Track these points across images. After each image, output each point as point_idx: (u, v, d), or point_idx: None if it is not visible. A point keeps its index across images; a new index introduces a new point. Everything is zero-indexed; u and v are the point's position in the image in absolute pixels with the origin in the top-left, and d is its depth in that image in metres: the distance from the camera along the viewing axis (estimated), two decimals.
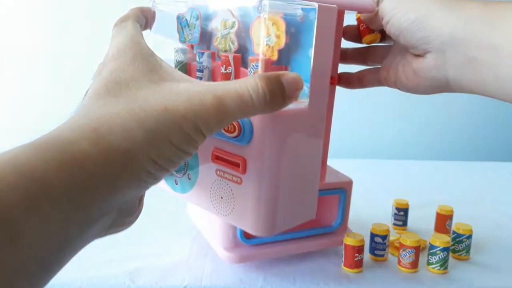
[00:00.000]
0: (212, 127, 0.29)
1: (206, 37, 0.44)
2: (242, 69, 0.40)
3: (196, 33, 0.44)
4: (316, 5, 0.37)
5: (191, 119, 0.28)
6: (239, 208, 0.41)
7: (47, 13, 1.02)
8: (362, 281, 0.49)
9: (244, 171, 0.39)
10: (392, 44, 0.49)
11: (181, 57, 0.45)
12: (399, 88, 0.48)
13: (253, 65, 0.38)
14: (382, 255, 0.53)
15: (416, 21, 0.41)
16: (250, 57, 0.39)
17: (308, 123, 0.40)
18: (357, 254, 0.50)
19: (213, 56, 0.43)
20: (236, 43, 0.41)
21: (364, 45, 0.51)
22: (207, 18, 0.43)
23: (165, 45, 0.45)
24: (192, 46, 0.45)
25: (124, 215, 0.31)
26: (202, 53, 0.42)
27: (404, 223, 0.62)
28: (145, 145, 0.27)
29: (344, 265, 0.51)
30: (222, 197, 0.42)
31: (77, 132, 0.26)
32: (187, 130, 0.28)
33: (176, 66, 0.44)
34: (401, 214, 0.62)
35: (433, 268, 0.51)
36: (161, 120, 0.28)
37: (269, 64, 0.38)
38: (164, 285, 0.47)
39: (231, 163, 0.41)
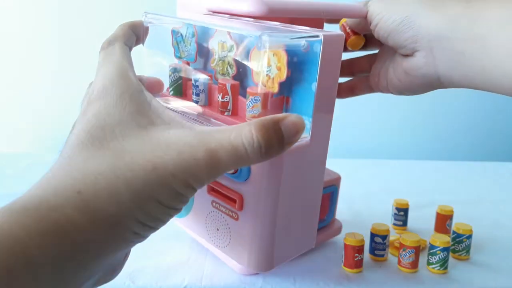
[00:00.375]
0: (203, 181, 0.28)
1: (202, 55, 0.42)
2: (240, 97, 0.38)
3: (192, 51, 0.42)
4: (321, 35, 0.34)
5: (181, 177, 0.27)
6: (236, 243, 0.39)
7: (47, 11, 1.02)
8: (362, 281, 0.49)
9: (241, 208, 0.38)
10: (377, 51, 0.50)
11: (176, 76, 0.43)
12: (391, 92, 0.49)
13: (251, 99, 0.36)
14: (382, 255, 0.53)
15: (403, 22, 0.42)
16: (248, 89, 0.36)
17: (310, 157, 0.39)
18: (357, 254, 0.50)
19: (210, 80, 0.41)
20: (234, 68, 0.39)
21: (348, 56, 0.51)
22: (203, 36, 0.41)
23: (158, 58, 0.44)
24: (188, 63, 0.44)
25: (109, 273, 0.30)
26: (198, 79, 0.41)
27: (404, 223, 0.62)
28: (132, 208, 0.26)
29: (344, 265, 0.51)
30: (218, 229, 0.41)
31: (60, 197, 0.25)
32: (177, 188, 0.27)
33: (171, 85, 0.43)
34: (401, 214, 0.62)
35: (433, 268, 0.51)
36: (149, 181, 0.26)
37: (268, 98, 0.36)
38: (164, 285, 0.47)
39: (228, 198, 0.39)
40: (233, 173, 0.38)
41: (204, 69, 0.43)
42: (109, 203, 0.25)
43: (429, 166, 0.94)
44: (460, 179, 0.87)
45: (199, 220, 0.43)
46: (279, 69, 0.35)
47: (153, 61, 0.43)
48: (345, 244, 0.50)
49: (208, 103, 0.41)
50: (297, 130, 0.29)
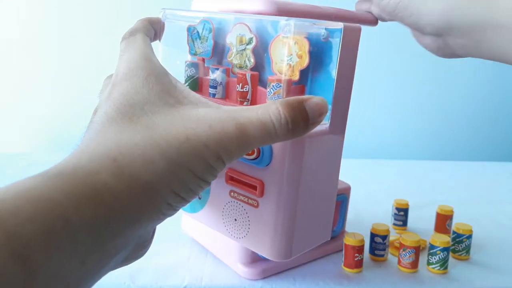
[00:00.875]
0: (233, 156, 0.28)
1: (218, 51, 0.42)
2: (259, 88, 0.39)
3: (208, 47, 0.42)
4: (341, 25, 0.36)
5: (213, 149, 0.27)
6: (255, 231, 0.39)
7: (47, 11, 1.02)
8: (362, 281, 0.49)
9: (261, 194, 0.38)
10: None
11: (192, 72, 0.43)
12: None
13: (273, 86, 0.36)
14: (382, 255, 0.53)
15: (400, 3, 0.41)
16: (269, 77, 0.37)
17: (329, 144, 0.39)
18: (357, 254, 0.50)
19: (227, 72, 0.41)
20: (252, 60, 0.39)
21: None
22: (220, 31, 0.41)
23: (173, 56, 0.44)
24: (203, 59, 0.43)
25: (139, 248, 0.30)
26: (216, 69, 0.40)
27: (404, 223, 0.62)
28: (167, 177, 0.26)
29: (344, 265, 0.51)
30: (236, 219, 0.41)
31: (96, 163, 0.25)
32: (209, 160, 0.27)
33: (186, 81, 0.43)
34: (401, 214, 0.62)
35: (433, 268, 0.51)
36: (183, 151, 0.26)
37: (290, 85, 0.36)
38: (164, 285, 0.47)
39: (248, 185, 0.39)
40: (255, 159, 0.38)
41: (220, 64, 0.43)
42: (144, 170, 0.25)
43: (429, 166, 0.94)
44: (460, 179, 0.87)
45: (215, 213, 0.43)
46: (300, 57, 0.36)
47: (168, 59, 0.43)
48: (345, 244, 0.50)
49: (226, 95, 0.41)
50: (321, 111, 0.30)
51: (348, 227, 0.57)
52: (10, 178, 0.75)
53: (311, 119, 0.30)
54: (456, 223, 0.56)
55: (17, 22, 1.01)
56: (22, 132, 1.07)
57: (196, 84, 0.43)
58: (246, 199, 0.39)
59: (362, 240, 0.50)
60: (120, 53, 0.33)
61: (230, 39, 0.40)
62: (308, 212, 0.39)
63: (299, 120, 0.29)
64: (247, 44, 0.39)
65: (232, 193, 0.41)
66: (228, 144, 0.27)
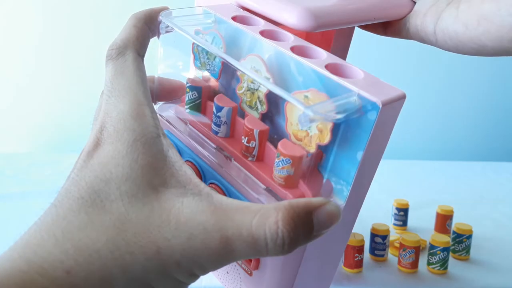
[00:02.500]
0: (209, 270, 0.24)
1: (229, 72, 0.36)
2: (268, 144, 0.33)
3: (216, 67, 0.36)
4: (379, 102, 0.27)
5: (186, 266, 0.23)
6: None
7: (47, 11, 1.02)
8: (362, 281, 0.48)
9: (256, 267, 0.34)
10: None
11: (194, 95, 0.37)
12: (437, 43, 0.36)
13: (282, 160, 0.30)
14: (382, 255, 0.53)
15: None
16: (280, 145, 0.30)
17: (341, 223, 0.34)
18: (357, 254, 0.50)
19: (234, 111, 0.35)
20: (265, 106, 0.33)
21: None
22: (233, 51, 0.35)
23: (175, 58, 0.38)
24: (208, 79, 0.38)
25: None
26: (221, 107, 0.34)
27: (404, 223, 0.62)
28: None
29: (344, 265, 0.51)
30: (228, 272, 0.38)
31: (48, 278, 0.22)
32: (179, 277, 0.24)
33: (188, 103, 0.37)
34: (401, 214, 0.62)
35: (433, 268, 0.51)
36: (150, 268, 0.23)
37: (302, 160, 0.30)
38: None
39: None
40: None
41: (228, 90, 0.37)
42: None
43: (429, 166, 0.94)
44: (460, 179, 0.87)
45: None
46: (320, 130, 0.29)
47: (168, 63, 0.38)
48: None
49: (230, 134, 0.36)
50: (331, 222, 0.25)
51: None
52: (10, 178, 0.76)
53: (316, 231, 0.24)
54: (456, 223, 0.56)
55: (18, 23, 1.01)
56: (22, 132, 1.07)
57: (198, 107, 0.38)
58: (240, 262, 0.36)
59: (362, 240, 0.50)
60: (106, 83, 0.28)
61: (242, 67, 0.32)
62: (306, 284, 0.35)
63: (300, 238, 0.24)
64: (261, 85, 0.33)
65: None
66: (205, 261, 0.23)
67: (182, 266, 0.23)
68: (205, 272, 0.24)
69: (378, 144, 0.30)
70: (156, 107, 0.35)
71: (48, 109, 1.05)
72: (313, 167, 0.32)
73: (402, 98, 0.29)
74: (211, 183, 0.35)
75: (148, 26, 0.31)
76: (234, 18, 0.35)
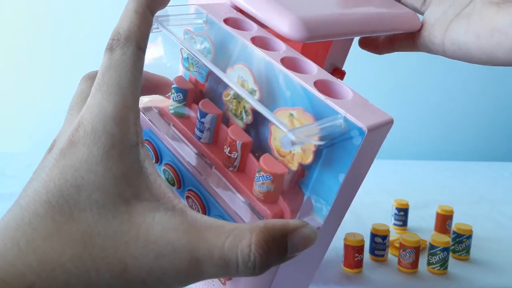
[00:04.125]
0: None
1: (214, 77, 0.35)
2: (250, 156, 0.33)
3: (203, 71, 0.35)
4: (365, 128, 0.26)
5: (151, 285, 0.22)
6: None
7: (46, 11, 1.02)
8: (362, 281, 0.49)
9: (229, 278, 0.33)
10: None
11: (179, 97, 0.36)
12: (445, 53, 0.36)
13: (263, 176, 0.30)
14: (382, 255, 0.53)
15: None
16: (262, 160, 0.30)
17: (317, 243, 0.32)
18: (357, 254, 0.50)
19: (218, 118, 0.34)
20: (250, 117, 0.33)
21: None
22: (222, 57, 0.34)
23: (162, 59, 0.37)
24: (195, 83, 0.37)
25: None
26: (206, 114, 0.34)
27: (404, 223, 0.62)
28: None
29: (344, 265, 0.51)
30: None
31: None
32: None
33: (172, 105, 0.37)
34: (401, 214, 0.62)
35: (433, 268, 0.51)
36: (115, 286, 0.22)
37: (283, 178, 0.30)
38: None
39: None
40: None
41: (214, 94, 0.36)
42: None
43: (429, 166, 0.94)
44: (460, 179, 0.87)
45: None
46: (303, 150, 0.29)
47: (155, 57, 0.36)
48: (345, 244, 0.50)
49: (213, 140, 0.35)
50: (306, 245, 0.24)
51: (348, 227, 0.57)
52: (10, 178, 0.76)
53: (289, 253, 0.24)
54: (456, 223, 0.56)
55: (17, 22, 1.01)
56: (22, 132, 1.07)
57: (183, 110, 0.37)
58: None
59: (362, 240, 0.50)
60: (99, 74, 0.26)
61: (230, 76, 0.32)
62: None
63: (272, 260, 0.23)
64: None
65: None
66: (172, 281, 0.22)
67: (147, 285, 0.22)
68: None
69: (361, 167, 0.30)
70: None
71: (48, 109, 1.05)
72: (294, 184, 0.31)
73: (389, 123, 0.28)
74: (189, 190, 0.34)
75: (151, 10, 0.28)
76: (226, 21, 0.34)
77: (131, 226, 0.23)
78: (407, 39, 0.40)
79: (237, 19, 0.35)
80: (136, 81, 0.26)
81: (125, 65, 0.26)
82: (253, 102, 0.27)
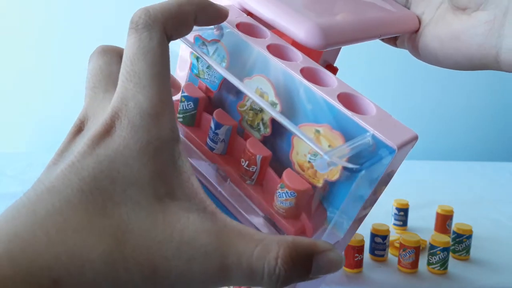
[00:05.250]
0: None
1: (229, 86, 0.33)
2: (269, 170, 0.31)
3: (216, 79, 0.34)
4: (395, 146, 0.26)
5: None
6: None
7: (46, 11, 1.02)
8: (362, 281, 0.49)
9: None
10: None
11: (189, 106, 0.34)
12: (425, 57, 0.37)
13: (286, 192, 0.29)
14: (382, 255, 0.53)
15: None
16: (285, 175, 0.29)
17: None
18: (357, 254, 0.50)
19: (233, 129, 0.33)
20: (269, 129, 0.31)
21: None
22: (237, 66, 0.32)
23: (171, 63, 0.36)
24: (206, 92, 0.35)
25: None
26: (221, 125, 0.32)
27: (404, 223, 0.62)
28: None
29: (344, 265, 0.51)
30: None
31: (35, 285, 0.19)
32: None
33: (181, 112, 0.35)
34: (401, 214, 0.62)
35: (433, 268, 0.51)
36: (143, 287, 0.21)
37: (306, 196, 0.29)
38: None
39: None
40: None
41: (227, 104, 0.34)
42: None
43: (429, 166, 0.94)
44: (460, 179, 0.87)
45: None
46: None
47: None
48: None
49: (227, 152, 0.33)
50: (330, 270, 0.23)
51: None
52: (10, 178, 0.76)
53: (312, 274, 0.23)
54: (456, 223, 0.56)
55: (18, 22, 1.01)
56: (22, 132, 1.07)
57: (193, 119, 0.35)
58: None
59: (362, 240, 0.50)
60: (125, 58, 0.24)
61: (247, 87, 0.29)
62: None
63: (294, 277, 0.23)
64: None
65: None
66: (201, 285, 0.22)
67: None
68: None
69: (384, 183, 0.29)
70: None
71: (48, 109, 1.05)
72: (315, 198, 0.30)
73: (414, 139, 0.28)
74: None
75: (197, 13, 0.26)
76: (238, 26, 0.32)
77: (165, 226, 0.22)
78: (394, 40, 0.40)
79: (250, 24, 0.33)
80: (167, 72, 0.25)
81: (155, 53, 0.24)
82: (278, 116, 0.26)
